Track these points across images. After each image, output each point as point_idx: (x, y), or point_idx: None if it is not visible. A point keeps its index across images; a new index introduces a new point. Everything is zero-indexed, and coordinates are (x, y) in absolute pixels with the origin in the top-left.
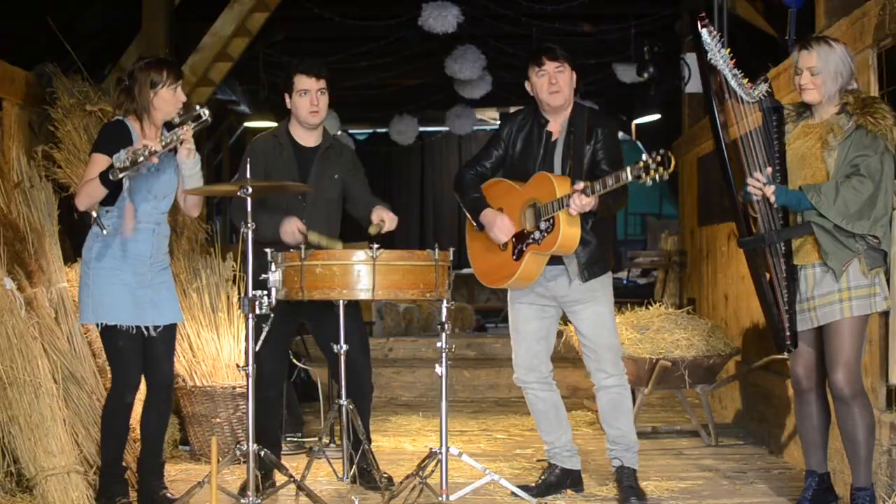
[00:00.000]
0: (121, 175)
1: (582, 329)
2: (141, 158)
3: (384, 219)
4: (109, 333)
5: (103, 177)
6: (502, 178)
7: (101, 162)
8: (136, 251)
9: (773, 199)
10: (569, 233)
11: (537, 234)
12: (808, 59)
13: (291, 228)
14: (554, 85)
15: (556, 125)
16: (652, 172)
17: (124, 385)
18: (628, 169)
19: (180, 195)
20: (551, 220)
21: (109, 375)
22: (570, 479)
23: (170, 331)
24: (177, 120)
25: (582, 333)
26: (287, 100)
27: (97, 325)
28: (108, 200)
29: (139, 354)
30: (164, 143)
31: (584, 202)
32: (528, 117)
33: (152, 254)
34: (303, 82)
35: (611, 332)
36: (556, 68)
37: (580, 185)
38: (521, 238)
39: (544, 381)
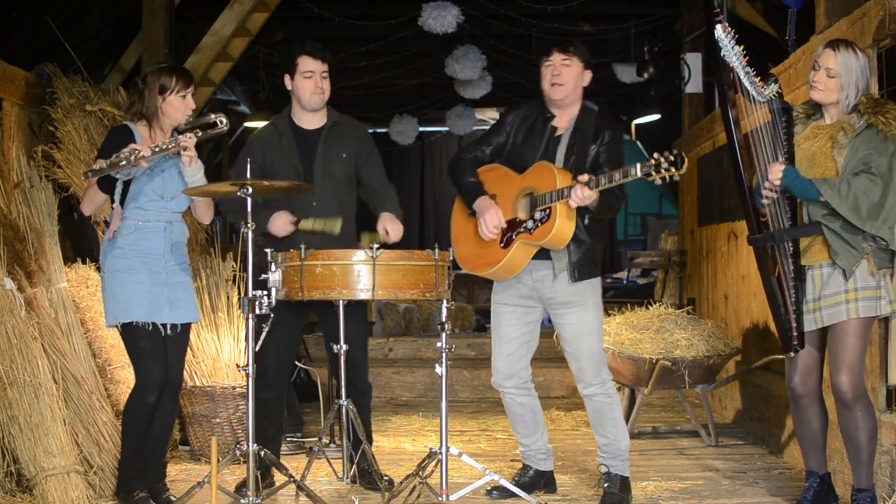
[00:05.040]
0: (93, 177)
1: (565, 334)
2: (124, 162)
3: (389, 231)
4: (129, 332)
5: (98, 180)
6: (500, 164)
7: None
8: (148, 250)
9: (779, 175)
10: (564, 225)
11: (530, 224)
12: (830, 59)
13: (280, 223)
14: (557, 77)
15: (563, 121)
16: (663, 172)
17: (146, 385)
18: (638, 165)
19: (191, 200)
20: (547, 211)
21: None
22: (543, 480)
23: (185, 331)
24: (183, 126)
25: (564, 339)
26: (288, 81)
27: (118, 327)
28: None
29: (161, 354)
30: (156, 149)
31: (585, 194)
32: (533, 109)
33: (165, 252)
34: (307, 64)
35: (594, 340)
36: (562, 61)
37: (585, 177)
38: (512, 226)
39: (523, 387)
